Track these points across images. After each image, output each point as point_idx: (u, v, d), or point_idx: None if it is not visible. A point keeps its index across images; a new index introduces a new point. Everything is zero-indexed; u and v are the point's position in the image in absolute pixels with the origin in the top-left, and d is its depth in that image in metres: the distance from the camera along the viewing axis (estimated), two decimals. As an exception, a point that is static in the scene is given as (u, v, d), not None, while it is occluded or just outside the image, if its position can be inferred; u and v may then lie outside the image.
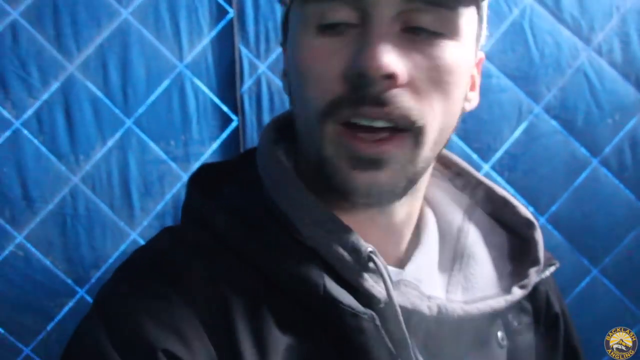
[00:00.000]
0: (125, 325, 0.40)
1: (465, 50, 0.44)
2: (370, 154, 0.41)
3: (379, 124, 0.41)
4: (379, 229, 0.48)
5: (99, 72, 0.79)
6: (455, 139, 0.83)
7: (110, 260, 0.78)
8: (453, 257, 0.51)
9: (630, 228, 0.87)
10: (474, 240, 0.52)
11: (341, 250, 0.43)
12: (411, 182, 0.44)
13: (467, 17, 0.43)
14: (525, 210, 0.54)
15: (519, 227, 0.54)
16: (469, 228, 0.53)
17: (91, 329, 0.41)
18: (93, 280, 0.78)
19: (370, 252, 0.43)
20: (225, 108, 0.82)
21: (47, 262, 0.77)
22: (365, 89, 0.40)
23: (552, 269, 0.53)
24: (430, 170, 0.50)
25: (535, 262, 0.51)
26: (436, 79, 0.42)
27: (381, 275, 0.43)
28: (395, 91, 0.40)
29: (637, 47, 0.85)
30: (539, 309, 0.55)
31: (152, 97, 0.80)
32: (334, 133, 0.42)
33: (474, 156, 0.83)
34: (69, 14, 0.79)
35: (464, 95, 0.47)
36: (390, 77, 0.39)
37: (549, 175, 0.85)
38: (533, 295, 0.53)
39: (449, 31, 0.42)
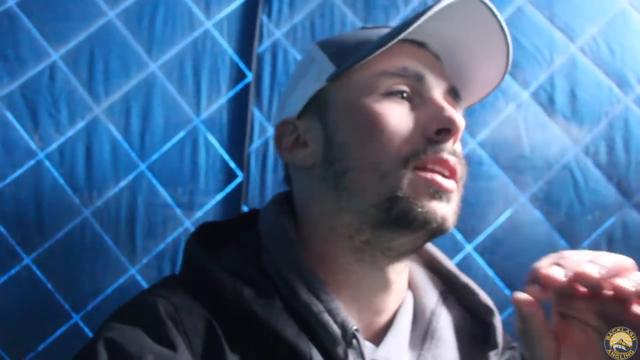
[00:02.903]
0: (127, 352, 0.45)
1: None
2: (446, 188, 0.51)
3: (446, 172, 0.51)
4: (370, 291, 0.54)
5: (122, 117, 0.86)
6: (442, 217, 0.88)
7: (108, 291, 0.83)
8: (424, 337, 0.56)
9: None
10: (444, 325, 0.57)
11: (331, 324, 0.49)
12: (456, 220, 0.54)
13: None
14: (486, 297, 0.60)
15: (481, 313, 0.59)
16: (441, 312, 0.58)
17: (95, 352, 0.45)
18: (89, 308, 0.82)
19: (355, 330, 0.49)
20: (232, 164, 0.88)
21: (49, 286, 0.82)
22: (443, 144, 0.51)
23: (511, 351, 0.58)
24: None
25: (494, 346, 0.56)
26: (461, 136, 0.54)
27: (361, 354, 0.48)
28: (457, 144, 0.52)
29: (621, 152, 0.90)
30: None
31: (167, 146, 0.86)
32: (414, 176, 0.50)
33: (459, 236, 0.88)
34: (103, 61, 0.87)
35: None
36: (458, 132, 0.52)
37: (528, 263, 0.88)
38: None
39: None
